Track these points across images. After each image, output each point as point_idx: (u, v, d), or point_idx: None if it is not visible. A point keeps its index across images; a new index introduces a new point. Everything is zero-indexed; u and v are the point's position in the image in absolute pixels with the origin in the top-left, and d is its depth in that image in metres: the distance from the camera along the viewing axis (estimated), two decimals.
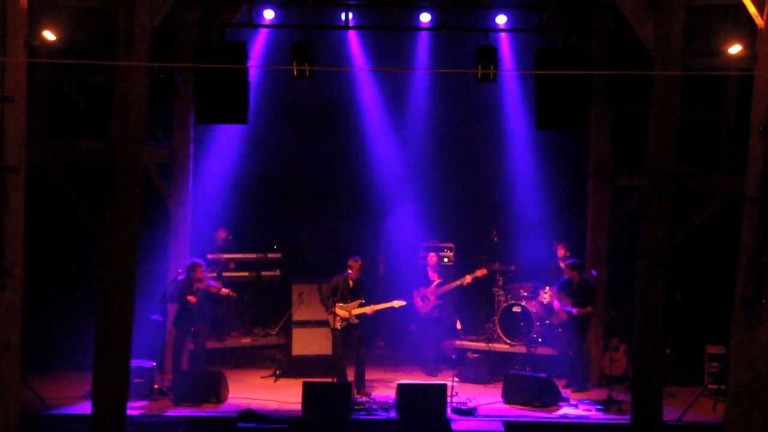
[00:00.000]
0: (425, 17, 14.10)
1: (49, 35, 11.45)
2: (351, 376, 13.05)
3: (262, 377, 14.05)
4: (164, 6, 11.30)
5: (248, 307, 15.37)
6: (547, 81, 12.27)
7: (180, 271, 13.42)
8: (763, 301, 10.00)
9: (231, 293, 13.55)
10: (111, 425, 11.08)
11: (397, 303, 13.25)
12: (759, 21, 10.17)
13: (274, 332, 15.00)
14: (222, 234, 15.13)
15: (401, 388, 12.00)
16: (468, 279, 14.41)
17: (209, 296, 13.31)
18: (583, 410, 12.29)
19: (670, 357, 13.65)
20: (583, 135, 14.24)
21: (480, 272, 14.42)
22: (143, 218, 11.62)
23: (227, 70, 12.06)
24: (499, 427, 11.52)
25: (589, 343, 13.94)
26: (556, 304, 13.82)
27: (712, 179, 12.69)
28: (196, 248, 14.23)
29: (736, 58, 11.47)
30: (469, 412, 12.03)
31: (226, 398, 12.49)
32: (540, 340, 14.32)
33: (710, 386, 12.74)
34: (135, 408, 11.89)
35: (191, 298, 12.97)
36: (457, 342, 15.01)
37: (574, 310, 13.36)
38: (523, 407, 12.38)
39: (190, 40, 13.54)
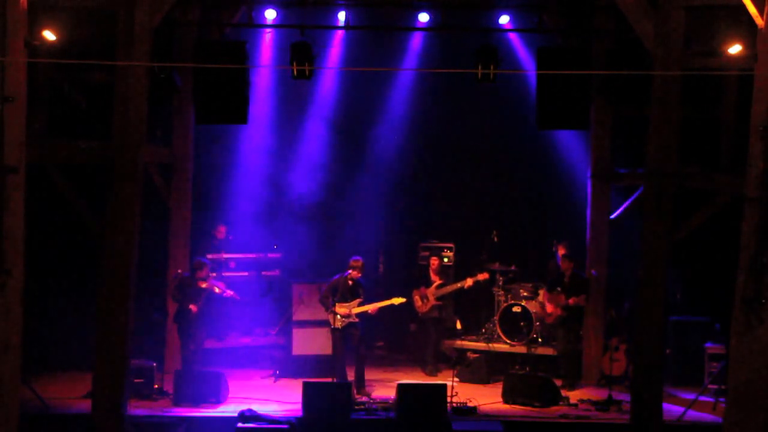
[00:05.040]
0: (424, 17, 14.11)
1: (49, 35, 11.45)
2: (351, 376, 13.05)
3: (262, 377, 14.05)
4: (164, 6, 11.31)
5: (248, 307, 15.35)
6: (547, 81, 12.28)
7: (180, 270, 13.43)
8: (763, 301, 9.99)
9: (235, 296, 13.53)
10: (111, 425, 11.09)
11: (397, 300, 13.29)
12: (759, 21, 10.16)
13: (274, 332, 15.00)
14: (222, 230, 15.15)
15: (401, 388, 11.99)
16: (469, 282, 14.41)
17: (212, 297, 13.30)
18: (583, 410, 12.28)
19: (670, 357, 13.65)
20: (583, 135, 14.26)
21: (482, 276, 14.42)
22: (143, 218, 11.63)
23: (227, 70, 12.07)
24: (499, 427, 11.52)
25: (588, 342, 13.96)
26: (548, 307, 13.84)
27: (713, 179, 12.68)
28: (196, 248, 14.23)
29: (736, 58, 11.47)
30: (469, 412, 12.03)
31: (225, 398, 12.48)
32: (540, 340, 14.32)
33: (710, 386, 12.74)
34: (135, 408, 11.88)
35: (193, 307, 12.93)
36: (457, 342, 15.01)
37: (570, 300, 13.39)
38: (523, 407, 12.38)
39: (190, 40, 13.55)
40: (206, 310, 13.30)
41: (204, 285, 13.09)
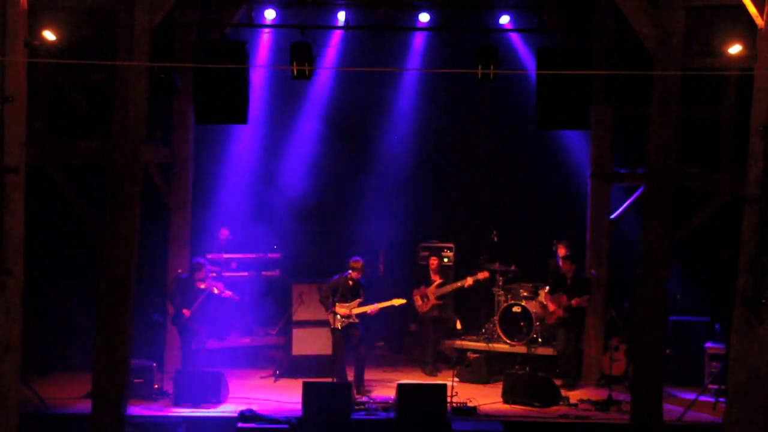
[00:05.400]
0: (424, 17, 14.11)
1: (49, 35, 11.45)
2: (351, 376, 13.05)
3: (262, 377, 14.05)
4: (164, 6, 11.33)
5: (248, 307, 15.35)
6: (547, 81, 12.28)
7: (180, 270, 13.43)
8: (763, 301, 9.99)
9: (234, 296, 13.53)
10: (111, 425, 11.10)
11: (397, 301, 13.29)
12: (759, 21, 10.17)
13: (274, 332, 15.00)
14: (224, 232, 15.16)
15: (401, 388, 11.98)
16: (469, 281, 14.41)
17: (211, 297, 13.30)
18: (583, 410, 12.28)
19: (670, 357, 13.65)
20: (583, 135, 14.26)
21: (482, 275, 14.41)
22: (143, 218, 11.62)
23: (227, 70, 12.07)
24: (499, 427, 11.52)
25: (588, 342, 13.97)
26: (550, 307, 13.82)
27: (713, 179, 12.69)
28: (196, 248, 14.24)
29: (736, 58, 11.48)
30: (469, 412, 12.03)
31: (225, 398, 12.48)
32: (540, 340, 14.32)
33: (710, 386, 12.74)
34: (135, 408, 11.88)
35: (186, 312, 12.93)
36: (457, 342, 15.01)
37: (573, 301, 13.38)
38: (523, 407, 12.38)
39: (190, 40, 13.54)
40: (206, 311, 13.29)
41: (202, 286, 13.09)
